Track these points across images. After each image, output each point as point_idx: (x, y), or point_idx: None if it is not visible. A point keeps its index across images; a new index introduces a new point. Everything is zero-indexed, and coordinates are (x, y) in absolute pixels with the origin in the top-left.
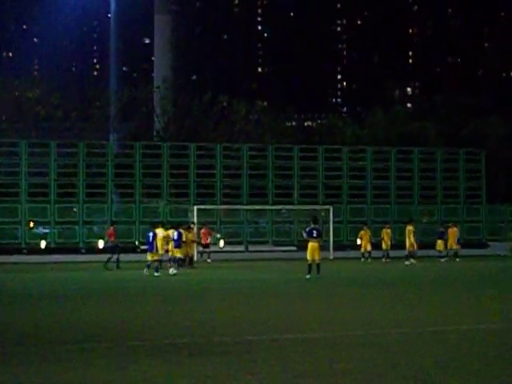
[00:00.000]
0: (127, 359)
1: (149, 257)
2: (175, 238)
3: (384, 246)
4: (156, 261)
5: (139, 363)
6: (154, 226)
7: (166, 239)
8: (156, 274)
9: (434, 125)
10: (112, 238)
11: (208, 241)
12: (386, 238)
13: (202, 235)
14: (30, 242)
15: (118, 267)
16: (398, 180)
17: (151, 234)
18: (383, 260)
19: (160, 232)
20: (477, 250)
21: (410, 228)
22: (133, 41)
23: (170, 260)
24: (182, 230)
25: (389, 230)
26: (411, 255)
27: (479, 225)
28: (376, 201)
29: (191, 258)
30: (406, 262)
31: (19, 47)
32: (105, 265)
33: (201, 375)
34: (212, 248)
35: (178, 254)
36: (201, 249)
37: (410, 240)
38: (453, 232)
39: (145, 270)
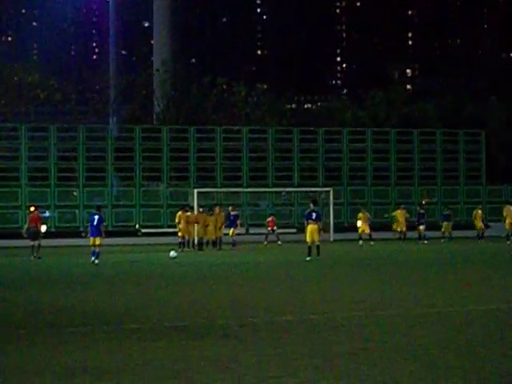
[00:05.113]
0: (128, 342)
1: (92, 242)
2: (231, 218)
3: (399, 228)
4: (100, 246)
5: (140, 346)
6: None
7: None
8: (95, 260)
9: (433, 106)
10: (33, 224)
11: (274, 227)
12: (400, 220)
13: (268, 223)
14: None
15: (38, 256)
16: (397, 161)
17: (96, 217)
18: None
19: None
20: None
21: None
22: (132, 24)
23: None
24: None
25: (404, 211)
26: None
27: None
28: (376, 182)
29: (216, 241)
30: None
31: (18, 31)
32: (32, 253)
33: (202, 357)
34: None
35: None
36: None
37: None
38: (478, 214)
39: (92, 258)
